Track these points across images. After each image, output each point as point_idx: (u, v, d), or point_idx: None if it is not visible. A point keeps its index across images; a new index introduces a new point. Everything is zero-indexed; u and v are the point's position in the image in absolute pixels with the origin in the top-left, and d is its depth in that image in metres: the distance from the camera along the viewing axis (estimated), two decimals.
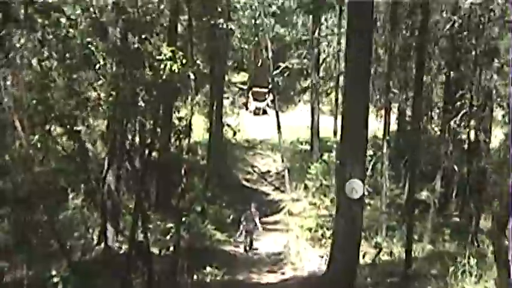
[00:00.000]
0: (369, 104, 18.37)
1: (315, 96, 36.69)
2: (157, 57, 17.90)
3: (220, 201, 30.88)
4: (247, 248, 26.51)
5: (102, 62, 18.06)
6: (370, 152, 24.41)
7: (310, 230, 27.42)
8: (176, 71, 17.58)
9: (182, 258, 23.14)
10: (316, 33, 36.54)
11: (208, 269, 21.84)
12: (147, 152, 20.81)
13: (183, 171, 22.00)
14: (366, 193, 25.86)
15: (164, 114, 24.36)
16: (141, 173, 21.05)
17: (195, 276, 21.42)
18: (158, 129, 23.74)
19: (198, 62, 32.47)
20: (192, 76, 20.23)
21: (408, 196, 25.66)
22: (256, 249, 26.79)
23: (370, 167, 25.63)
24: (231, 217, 29.87)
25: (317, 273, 21.11)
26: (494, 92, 22.95)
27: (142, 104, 19.64)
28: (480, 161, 23.93)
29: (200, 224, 26.63)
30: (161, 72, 17.66)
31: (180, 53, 17.99)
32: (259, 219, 27.39)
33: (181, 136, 22.37)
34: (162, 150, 26.23)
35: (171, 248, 22.91)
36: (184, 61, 17.85)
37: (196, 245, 25.22)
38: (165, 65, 17.49)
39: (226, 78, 41.78)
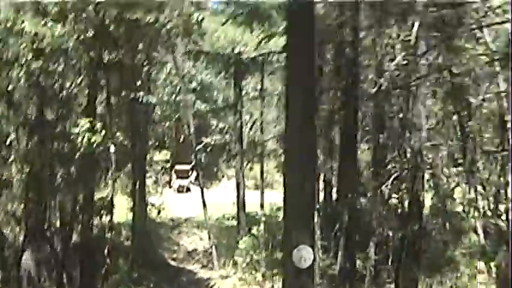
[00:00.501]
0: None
1: (240, 171, 35.57)
2: (75, 129, 16.70)
3: (147, 282, 29.12)
4: None
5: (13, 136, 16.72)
6: None
7: None
8: (95, 143, 16.40)
9: None
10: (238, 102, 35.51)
11: None
12: (67, 233, 19.48)
13: (106, 252, 20.52)
14: None
15: (84, 192, 22.79)
16: (61, 256, 19.56)
17: None
18: (78, 209, 22.27)
19: (118, 136, 31.75)
20: (112, 149, 19.02)
21: (341, 266, 24.80)
22: None
23: None
24: None
25: None
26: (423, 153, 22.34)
27: (60, 182, 18.40)
28: (414, 225, 23.12)
29: None
30: (79, 145, 16.44)
31: (99, 124, 16.86)
32: None
33: (103, 215, 21.16)
34: (84, 230, 24.66)
35: None
36: (103, 132, 16.67)
37: None
38: (83, 137, 16.28)
39: (148, 156, 40.43)
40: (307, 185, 15.11)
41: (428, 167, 23.73)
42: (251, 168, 44.13)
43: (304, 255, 14.39)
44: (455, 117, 28.19)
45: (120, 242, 34.97)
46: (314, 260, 14.77)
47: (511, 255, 16.92)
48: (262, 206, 31.63)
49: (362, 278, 24.64)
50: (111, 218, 21.02)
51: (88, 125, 16.15)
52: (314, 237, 16.37)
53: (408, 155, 22.33)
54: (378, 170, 23.94)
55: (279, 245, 27.02)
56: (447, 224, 27.13)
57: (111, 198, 20.36)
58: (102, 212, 24.62)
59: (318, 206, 24.32)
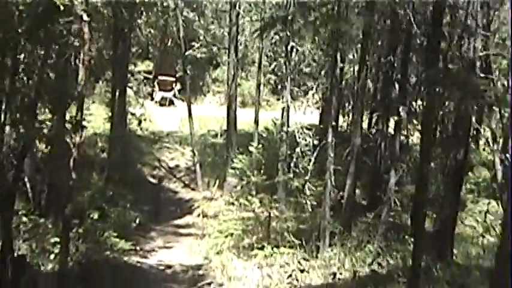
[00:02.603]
0: None
1: (232, 83, 30.46)
2: None
3: (124, 202, 24.54)
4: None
5: None
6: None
7: (231, 235, 21.65)
8: None
9: (74, 275, 17.32)
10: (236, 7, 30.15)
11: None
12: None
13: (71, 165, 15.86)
14: (308, 192, 20.80)
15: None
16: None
17: None
18: None
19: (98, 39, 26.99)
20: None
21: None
22: None
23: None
24: (138, 220, 23.73)
25: None
26: None
27: None
28: None
29: (99, 230, 20.43)
30: None
31: None
32: None
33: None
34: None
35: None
36: None
37: (94, 256, 19.20)
38: None
39: (130, 66, 35.48)
40: None
41: None
42: (239, 85, 39.22)
43: None
44: None
45: (95, 154, 30.41)
46: None
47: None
48: (256, 122, 26.95)
49: None
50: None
51: None
52: None
53: None
54: None
55: (278, 168, 22.63)
56: None
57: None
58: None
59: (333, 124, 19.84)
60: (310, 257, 19.25)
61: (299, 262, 18.70)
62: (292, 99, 24.39)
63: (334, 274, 17.90)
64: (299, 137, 20.41)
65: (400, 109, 21.21)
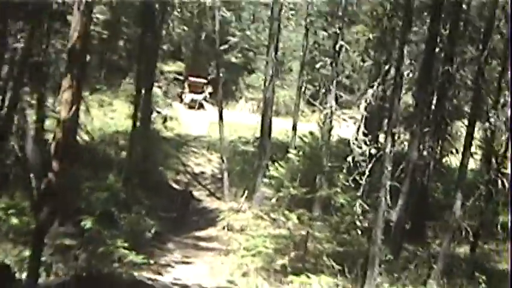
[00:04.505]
0: None
1: (267, 90, 26.75)
2: None
3: (140, 208, 20.81)
4: None
5: None
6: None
7: (260, 254, 17.85)
8: None
9: None
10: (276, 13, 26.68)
11: None
12: None
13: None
14: (359, 211, 16.96)
15: None
16: None
17: None
18: None
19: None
20: None
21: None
22: None
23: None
24: (154, 229, 20.04)
25: None
26: None
27: None
28: None
29: (107, 239, 16.71)
30: None
31: None
32: None
33: None
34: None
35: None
36: None
37: (98, 269, 15.56)
38: None
39: (160, 65, 32.13)
40: None
41: None
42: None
43: None
44: None
45: (114, 153, 26.83)
46: None
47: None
48: (294, 128, 23.21)
49: None
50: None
51: None
52: None
53: None
54: None
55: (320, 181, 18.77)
56: None
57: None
58: None
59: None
60: None
61: None
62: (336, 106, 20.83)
63: None
64: (353, 143, 16.55)
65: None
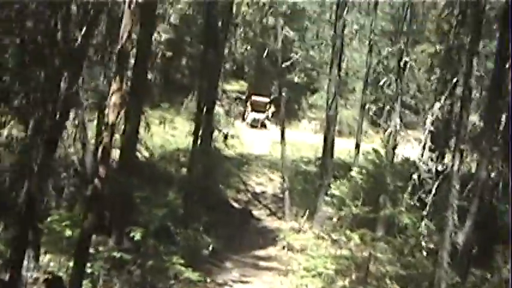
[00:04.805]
0: None
1: (333, 110, 26.06)
2: None
3: (198, 224, 20.36)
4: None
5: None
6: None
7: (320, 276, 17.11)
8: None
9: None
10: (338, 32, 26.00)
11: None
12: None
13: None
14: (424, 231, 16.10)
15: None
16: None
17: None
18: None
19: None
20: None
21: None
22: None
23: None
24: (211, 247, 19.54)
25: None
26: None
27: None
28: None
29: (163, 254, 16.30)
30: None
31: None
32: None
33: None
34: None
35: None
36: None
37: (153, 285, 15.15)
38: None
39: (222, 84, 31.90)
40: None
41: None
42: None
43: None
44: None
45: (175, 171, 26.51)
46: None
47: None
48: (357, 147, 22.41)
49: None
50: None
51: None
52: None
53: None
54: None
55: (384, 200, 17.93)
56: None
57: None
58: None
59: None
60: None
61: None
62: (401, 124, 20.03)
63: None
64: (419, 160, 15.73)
65: None
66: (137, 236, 15.62)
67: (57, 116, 13.48)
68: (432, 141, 16.46)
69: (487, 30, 20.01)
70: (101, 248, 15.74)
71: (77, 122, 14.11)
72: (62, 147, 14.78)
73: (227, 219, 24.01)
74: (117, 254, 15.36)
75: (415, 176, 15.72)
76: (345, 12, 24.47)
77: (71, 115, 14.22)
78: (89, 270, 13.47)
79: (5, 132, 19.04)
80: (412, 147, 23.97)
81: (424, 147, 15.97)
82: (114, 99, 9.18)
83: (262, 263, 20.84)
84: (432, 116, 16.48)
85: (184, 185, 23.37)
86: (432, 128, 16.09)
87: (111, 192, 17.63)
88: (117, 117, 9.25)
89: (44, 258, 14.42)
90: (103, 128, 10.77)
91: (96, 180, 9.31)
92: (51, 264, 13.80)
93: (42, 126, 12.42)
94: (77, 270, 9.59)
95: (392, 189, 17.20)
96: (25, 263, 13.58)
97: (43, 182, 13.85)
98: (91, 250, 14.55)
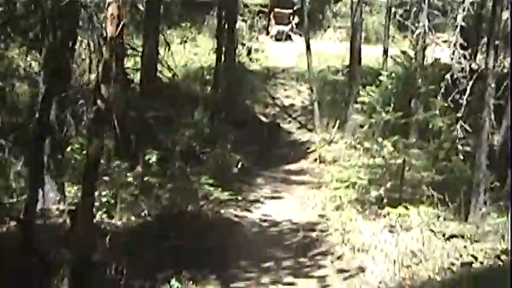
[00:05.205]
0: None
1: (358, 17, 24.91)
2: None
3: (226, 142, 19.81)
4: None
5: None
6: None
7: (354, 186, 16.51)
8: None
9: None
10: None
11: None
12: None
13: None
14: (459, 134, 15.29)
15: None
16: None
17: None
18: None
19: None
20: None
21: None
22: None
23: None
24: (240, 165, 19.02)
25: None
26: None
27: None
28: None
29: (191, 176, 15.81)
30: None
31: None
32: None
33: None
34: None
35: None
36: None
37: (183, 207, 14.75)
38: None
39: None
40: None
41: None
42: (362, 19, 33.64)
43: None
44: None
45: (200, 90, 25.82)
46: None
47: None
48: (385, 52, 21.29)
49: None
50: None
51: None
52: None
53: None
54: None
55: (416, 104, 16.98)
56: None
57: None
58: None
59: None
60: (458, 220, 13.97)
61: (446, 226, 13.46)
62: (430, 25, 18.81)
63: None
64: (451, 58, 14.76)
65: None
66: (153, 159, 15.18)
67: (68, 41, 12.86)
68: (464, 39, 15.39)
69: None
70: (128, 174, 15.28)
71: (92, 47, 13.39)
72: (77, 73, 14.05)
73: (256, 135, 23.44)
74: (144, 179, 14.96)
75: (447, 77, 14.78)
76: None
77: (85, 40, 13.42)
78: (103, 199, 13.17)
79: (22, 64, 18.59)
80: (441, 51, 22.88)
81: (455, 45, 14.92)
82: (111, 10, 8.33)
83: (294, 177, 20.32)
84: (464, 11, 15.35)
85: (210, 104, 22.81)
86: (463, 24, 15.03)
87: (135, 116, 17.20)
88: (116, 29, 8.45)
89: (70, 190, 14.05)
90: (102, 42, 10.03)
91: (98, 101, 8.61)
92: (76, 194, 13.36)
93: (53, 53, 11.81)
94: (84, 196, 9.04)
95: (424, 92, 16.19)
96: (50, 195, 13.27)
97: (60, 110, 13.34)
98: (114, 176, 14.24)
